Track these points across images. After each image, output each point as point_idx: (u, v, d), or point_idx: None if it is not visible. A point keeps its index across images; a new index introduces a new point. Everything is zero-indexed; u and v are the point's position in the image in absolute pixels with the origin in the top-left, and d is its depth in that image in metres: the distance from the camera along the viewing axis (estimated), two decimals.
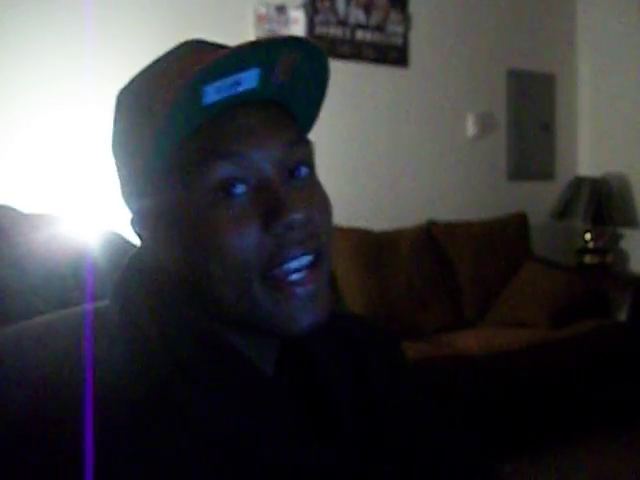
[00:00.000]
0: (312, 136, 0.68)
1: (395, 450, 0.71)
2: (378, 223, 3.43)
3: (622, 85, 4.17)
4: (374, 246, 3.31)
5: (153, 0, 3.02)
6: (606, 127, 4.27)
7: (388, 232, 3.40)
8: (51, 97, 2.73)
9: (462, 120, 3.91)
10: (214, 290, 0.60)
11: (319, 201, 0.63)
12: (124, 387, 0.58)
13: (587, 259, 4.08)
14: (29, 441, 0.56)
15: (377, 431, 0.70)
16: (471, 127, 3.92)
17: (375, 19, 3.58)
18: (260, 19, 3.23)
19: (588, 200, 4.00)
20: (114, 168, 0.66)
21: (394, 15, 3.64)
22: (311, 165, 0.64)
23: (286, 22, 3.30)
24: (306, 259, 0.60)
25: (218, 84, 0.57)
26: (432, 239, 3.55)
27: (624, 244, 4.24)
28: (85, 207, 2.68)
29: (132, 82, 0.64)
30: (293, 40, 0.59)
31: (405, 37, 3.68)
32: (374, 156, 3.61)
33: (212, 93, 0.57)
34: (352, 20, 3.52)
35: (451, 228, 3.63)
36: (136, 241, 0.67)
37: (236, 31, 3.18)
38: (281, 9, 3.30)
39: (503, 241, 3.72)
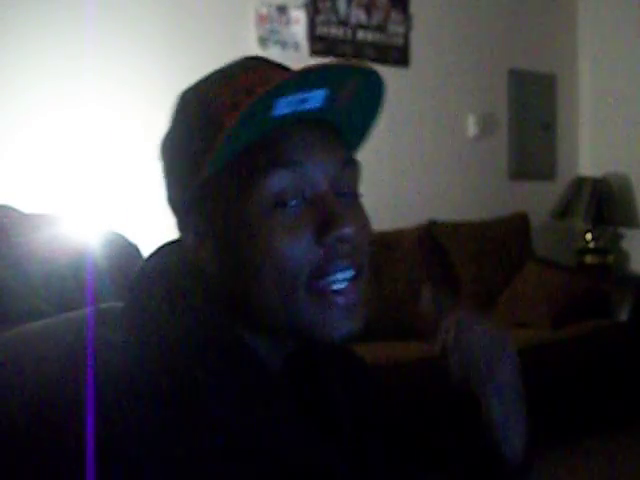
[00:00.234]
0: None
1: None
2: (378, 223, 3.41)
3: (623, 85, 4.17)
4: (374, 246, 3.30)
5: (154, 0, 3.02)
6: (607, 127, 4.27)
7: (388, 232, 3.39)
8: (51, 97, 2.73)
9: (463, 120, 3.91)
10: (257, 294, 0.62)
11: (363, 220, 0.67)
12: (132, 388, 0.58)
13: (588, 259, 4.07)
14: (30, 443, 0.56)
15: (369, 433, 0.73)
16: (472, 127, 3.92)
17: (376, 19, 3.58)
18: (261, 19, 3.23)
19: (589, 200, 3.99)
20: (161, 169, 0.66)
21: (395, 15, 3.64)
22: (357, 186, 0.67)
23: (287, 22, 3.30)
24: (350, 272, 0.64)
25: (290, 99, 0.59)
26: (433, 239, 3.55)
27: (625, 244, 4.24)
28: (85, 207, 2.67)
29: (197, 87, 0.66)
30: (362, 67, 0.62)
31: (406, 37, 3.68)
32: (375, 156, 3.60)
33: (283, 106, 0.59)
34: (353, 20, 3.52)
35: (452, 228, 3.63)
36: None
37: (237, 31, 3.18)
38: (282, 9, 3.29)
39: (504, 241, 3.72)
